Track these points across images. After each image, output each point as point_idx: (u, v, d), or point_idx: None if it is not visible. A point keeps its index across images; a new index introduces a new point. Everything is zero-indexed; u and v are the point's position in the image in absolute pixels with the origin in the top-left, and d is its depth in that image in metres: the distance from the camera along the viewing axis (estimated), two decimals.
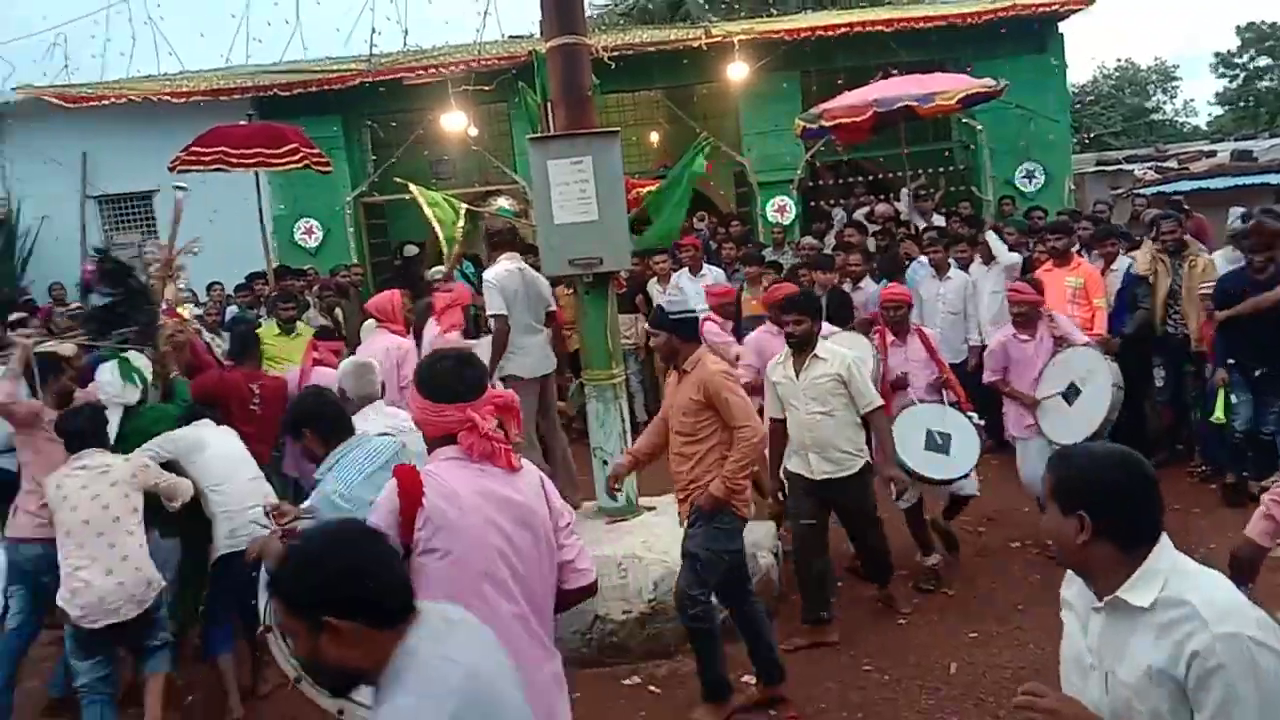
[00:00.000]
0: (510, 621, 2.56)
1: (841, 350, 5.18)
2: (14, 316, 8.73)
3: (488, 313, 6.39)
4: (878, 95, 9.76)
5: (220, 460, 4.99)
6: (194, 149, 7.87)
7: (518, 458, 2.73)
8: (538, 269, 6.26)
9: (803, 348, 5.10)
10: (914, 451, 5.60)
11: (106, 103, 12.02)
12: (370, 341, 6.60)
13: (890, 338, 6.07)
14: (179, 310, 6.63)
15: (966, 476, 5.76)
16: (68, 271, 12.43)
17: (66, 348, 5.56)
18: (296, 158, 7.89)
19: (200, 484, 4.89)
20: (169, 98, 11.91)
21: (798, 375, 5.10)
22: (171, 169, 8.13)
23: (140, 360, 5.51)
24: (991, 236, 8.35)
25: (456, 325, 6.83)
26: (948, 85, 9.92)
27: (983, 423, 6.07)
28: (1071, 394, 5.85)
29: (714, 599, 4.50)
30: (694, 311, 4.77)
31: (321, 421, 3.65)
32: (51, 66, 13.15)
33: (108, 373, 5.36)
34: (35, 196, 12.59)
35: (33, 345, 5.38)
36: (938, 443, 5.64)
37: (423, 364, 2.90)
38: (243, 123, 8.38)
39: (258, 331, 6.94)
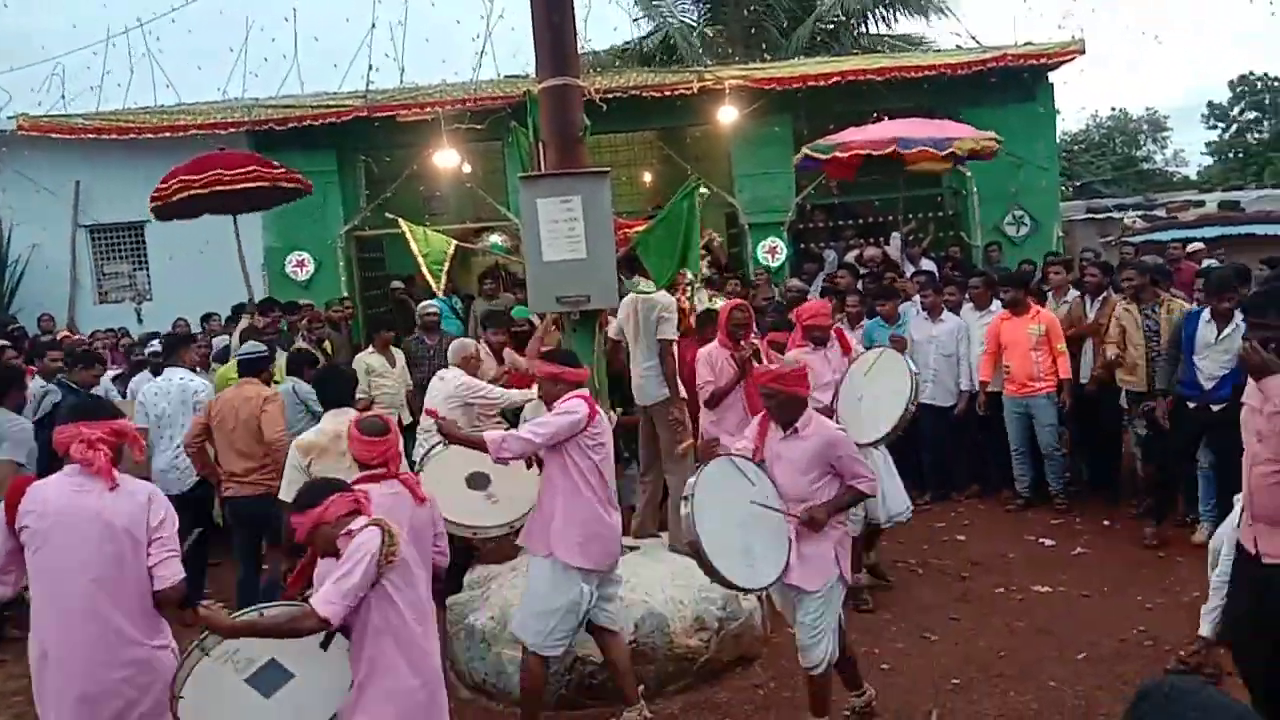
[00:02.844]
0: (76, 602, 3.37)
1: None
2: None
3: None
4: (900, 134, 9.71)
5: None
6: (182, 178, 7.93)
7: (121, 477, 3.50)
8: (523, 302, 6.25)
9: None
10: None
11: (103, 136, 12.05)
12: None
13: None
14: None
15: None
16: (57, 301, 12.45)
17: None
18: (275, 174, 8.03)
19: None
20: (165, 131, 11.93)
21: None
22: (156, 207, 8.18)
23: None
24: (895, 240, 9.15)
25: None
26: (963, 134, 9.89)
27: None
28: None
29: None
30: (260, 353, 6.30)
31: None
32: (48, 96, 13.15)
33: None
34: (26, 225, 12.56)
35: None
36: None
37: None
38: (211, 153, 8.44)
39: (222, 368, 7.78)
